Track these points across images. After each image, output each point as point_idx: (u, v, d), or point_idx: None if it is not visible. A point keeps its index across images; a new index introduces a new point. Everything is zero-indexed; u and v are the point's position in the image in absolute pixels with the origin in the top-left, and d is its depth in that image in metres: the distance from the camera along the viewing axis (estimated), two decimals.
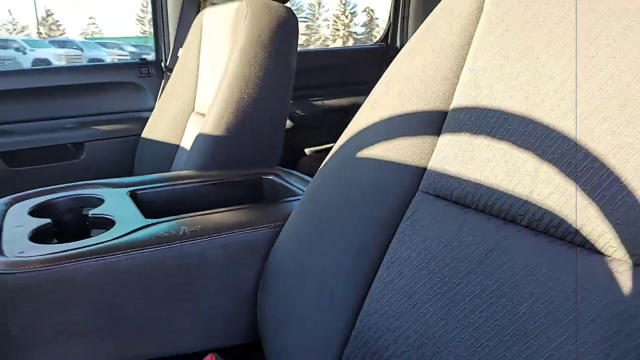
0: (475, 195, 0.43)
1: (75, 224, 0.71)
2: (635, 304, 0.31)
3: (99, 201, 0.71)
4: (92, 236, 0.59)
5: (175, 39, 1.48)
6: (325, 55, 1.99)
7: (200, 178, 0.83)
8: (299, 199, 0.65)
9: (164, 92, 1.32)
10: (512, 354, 0.36)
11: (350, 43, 23.93)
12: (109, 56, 13.80)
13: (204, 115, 1.02)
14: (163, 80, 1.52)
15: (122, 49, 15.26)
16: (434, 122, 0.48)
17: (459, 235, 0.43)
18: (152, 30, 1.54)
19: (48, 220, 0.64)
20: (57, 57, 12.34)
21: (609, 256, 0.34)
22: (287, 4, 1.02)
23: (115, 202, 0.70)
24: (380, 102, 0.54)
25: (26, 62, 11.63)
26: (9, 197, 0.71)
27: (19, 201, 0.70)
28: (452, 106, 0.47)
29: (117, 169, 1.43)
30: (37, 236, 0.59)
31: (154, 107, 1.46)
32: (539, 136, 0.39)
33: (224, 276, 0.61)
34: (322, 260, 0.52)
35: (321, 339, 0.50)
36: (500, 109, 0.43)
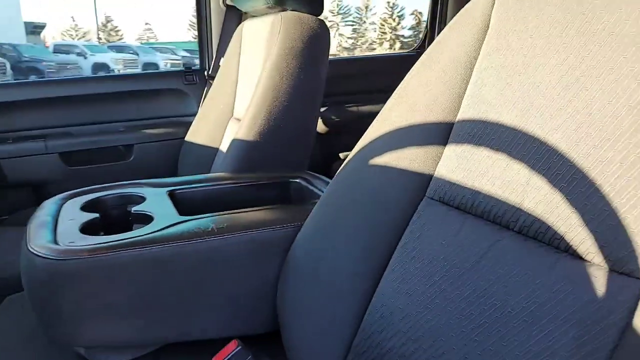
0: (474, 201, 0.46)
1: (120, 219, 0.77)
2: (604, 307, 0.34)
3: (141, 199, 0.77)
4: (133, 230, 0.66)
5: (218, 49, 1.55)
6: (362, 63, 2.01)
7: (233, 180, 0.88)
8: None
9: (206, 99, 1.38)
10: (497, 348, 0.39)
11: (397, 46, 23.66)
12: (162, 60, 14.04)
13: (240, 120, 1.08)
14: (206, 88, 1.59)
15: (174, 53, 15.40)
16: (441, 132, 0.51)
17: (457, 238, 0.46)
18: None
19: (96, 215, 0.71)
20: (114, 61, 12.77)
21: (589, 262, 0.37)
22: (320, 17, 1.07)
23: (155, 200, 0.77)
24: (393, 112, 0.58)
25: (87, 66, 12.09)
26: (65, 193, 0.79)
27: (73, 197, 0.78)
28: (458, 118, 0.50)
29: (162, 169, 1.50)
30: (86, 229, 0.66)
31: (197, 112, 1.53)
32: (531, 148, 0.42)
33: (248, 269, 0.65)
34: (333, 258, 0.57)
35: (333, 330, 0.54)
36: (499, 122, 0.46)
